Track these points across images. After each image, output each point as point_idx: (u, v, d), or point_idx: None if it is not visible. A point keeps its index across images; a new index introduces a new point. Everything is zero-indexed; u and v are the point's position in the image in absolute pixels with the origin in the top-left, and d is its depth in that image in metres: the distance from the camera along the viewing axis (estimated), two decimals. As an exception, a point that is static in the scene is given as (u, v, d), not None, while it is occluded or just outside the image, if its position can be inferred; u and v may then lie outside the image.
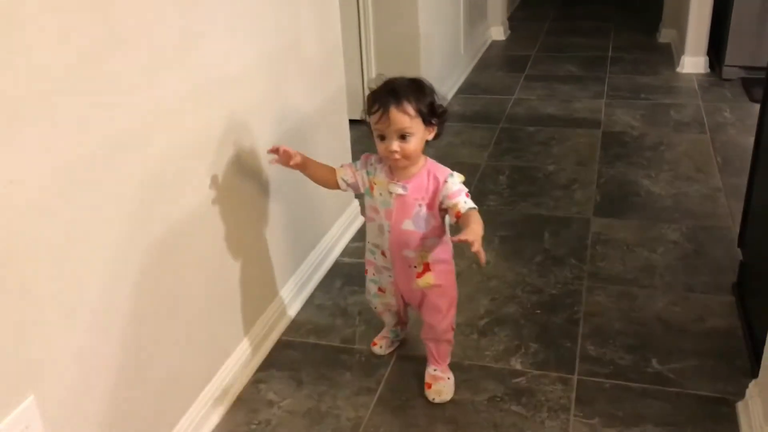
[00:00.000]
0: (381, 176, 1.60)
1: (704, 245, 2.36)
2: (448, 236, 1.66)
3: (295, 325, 2.07)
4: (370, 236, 1.70)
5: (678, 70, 4.13)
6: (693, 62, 4.07)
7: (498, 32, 5.02)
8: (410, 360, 1.89)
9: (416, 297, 1.71)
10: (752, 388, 1.62)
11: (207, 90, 1.61)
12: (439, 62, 3.71)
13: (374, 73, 3.43)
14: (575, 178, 2.90)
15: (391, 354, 1.92)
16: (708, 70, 4.07)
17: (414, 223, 1.59)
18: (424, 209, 1.58)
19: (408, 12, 3.32)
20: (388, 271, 1.71)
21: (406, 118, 1.48)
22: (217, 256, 1.72)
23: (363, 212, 1.96)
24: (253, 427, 1.71)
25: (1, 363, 1.11)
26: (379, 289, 1.77)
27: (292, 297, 2.12)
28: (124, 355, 1.39)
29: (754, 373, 1.66)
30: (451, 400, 1.75)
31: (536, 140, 3.29)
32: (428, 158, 1.61)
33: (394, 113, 1.48)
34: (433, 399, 1.74)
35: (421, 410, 1.73)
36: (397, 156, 1.51)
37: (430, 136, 1.57)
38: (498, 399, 1.75)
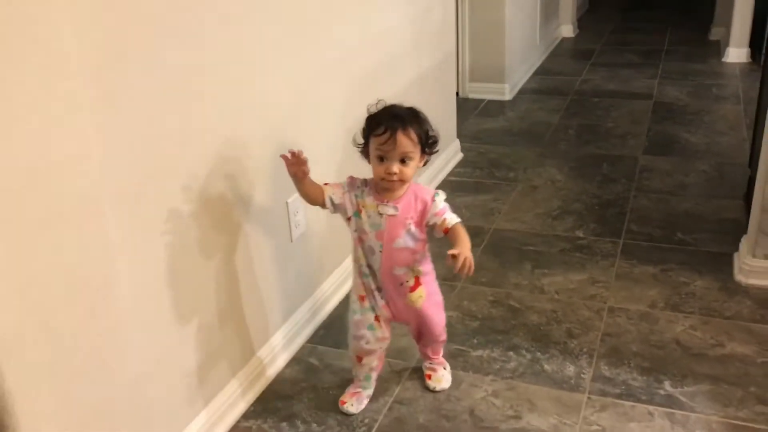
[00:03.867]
0: (369, 199, 1.64)
1: (726, 173, 3.11)
2: (427, 247, 1.73)
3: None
4: (363, 258, 1.69)
5: (723, 59, 4.84)
6: (737, 53, 4.78)
7: (568, 30, 5.80)
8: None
9: (409, 314, 1.75)
10: (743, 240, 2.38)
11: (372, 38, 2.44)
12: (519, 48, 4.52)
13: (468, 52, 4.28)
14: (629, 131, 3.67)
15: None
16: (750, 60, 4.77)
17: (404, 241, 1.64)
18: (413, 226, 1.64)
19: (497, 3, 4.15)
20: (380, 293, 1.72)
21: (410, 143, 1.56)
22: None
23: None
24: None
25: (282, 172, 1.97)
26: (376, 318, 1.74)
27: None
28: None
29: (746, 232, 2.41)
30: (532, 250, 2.55)
31: (599, 107, 4.07)
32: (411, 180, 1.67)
33: (401, 137, 1.55)
34: (434, 388, 1.87)
35: (511, 253, 2.53)
36: (395, 178, 1.58)
37: (422, 163, 1.65)
38: (567, 250, 2.55)
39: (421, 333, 1.82)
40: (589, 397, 1.83)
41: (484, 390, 1.88)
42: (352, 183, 1.68)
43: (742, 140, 3.45)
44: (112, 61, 1.29)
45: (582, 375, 1.91)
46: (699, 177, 3.09)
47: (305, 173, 1.64)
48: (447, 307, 2.20)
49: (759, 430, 1.70)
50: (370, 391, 1.86)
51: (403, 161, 1.57)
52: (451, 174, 3.26)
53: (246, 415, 1.82)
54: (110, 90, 1.28)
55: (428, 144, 1.63)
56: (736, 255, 2.39)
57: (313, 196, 1.67)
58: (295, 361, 2.02)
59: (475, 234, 2.68)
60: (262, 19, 1.77)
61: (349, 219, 1.68)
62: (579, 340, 2.05)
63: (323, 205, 1.67)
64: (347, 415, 1.81)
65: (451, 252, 1.53)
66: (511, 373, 1.93)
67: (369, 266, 1.69)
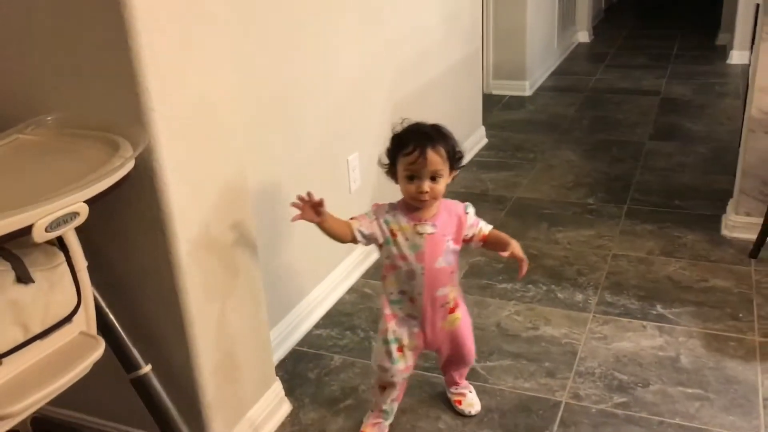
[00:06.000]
0: (403, 221, 1.60)
1: (722, 155, 3.52)
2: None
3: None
4: (396, 285, 1.65)
5: (728, 61, 5.25)
6: (739, 55, 5.18)
7: (584, 35, 6.24)
8: (524, 198, 3.12)
9: (444, 338, 1.73)
10: (729, 203, 2.79)
11: (409, 32, 2.89)
12: (538, 50, 4.96)
13: (492, 52, 4.73)
14: (637, 122, 4.09)
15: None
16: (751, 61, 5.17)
17: (445, 260, 1.62)
18: (451, 244, 1.63)
19: (518, 10, 4.60)
20: (414, 320, 1.68)
21: (440, 159, 1.54)
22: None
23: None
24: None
25: (345, 135, 2.42)
26: (399, 349, 1.69)
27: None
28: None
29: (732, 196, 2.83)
30: (548, 213, 2.97)
31: (611, 102, 4.50)
32: None
33: (431, 154, 1.52)
34: (469, 412, 1.85)
35: (530, 216, 2.96)
36: (426, 197, 1.55)
37: (450, 180, 1.61)
38: (578, 213, 2.98)
39: (454, 357, 1.79)
40: (594, 315, 2.25)
41: (508, 310, 2.31)
42: (379, 209, 1.63)
43: (739, 128, 3.84)
44: (241, 38, 1.77)
45: (589, 300, 2.33)
46: (697, 158, 3.50)
47: (321, 213, 1.55)
48: (474, 254, 2.64)
49: (729, 338, 2.11)
50: (389, 422, 1.82)
51: (433, 179, 1.55)
52: (477, 155, 3.70)
53: (317, 326, 2.27)
54: (241, 57, 1.76)
55: (455, 159, 1.60)
56: (723, 216, 2.81)
57: (340, 233, 1.59)
58: (352, 290, 2.47)
59: (499, 201, 3.12)
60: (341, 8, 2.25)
61: (380, 246, 1.64)
62: (587, 277, 2.47)
63: (353, 240, 1.60)
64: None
65: (506, 252, 1.61)
66: (530, 299, 2.36)
67: (402, 292, 1.65)
